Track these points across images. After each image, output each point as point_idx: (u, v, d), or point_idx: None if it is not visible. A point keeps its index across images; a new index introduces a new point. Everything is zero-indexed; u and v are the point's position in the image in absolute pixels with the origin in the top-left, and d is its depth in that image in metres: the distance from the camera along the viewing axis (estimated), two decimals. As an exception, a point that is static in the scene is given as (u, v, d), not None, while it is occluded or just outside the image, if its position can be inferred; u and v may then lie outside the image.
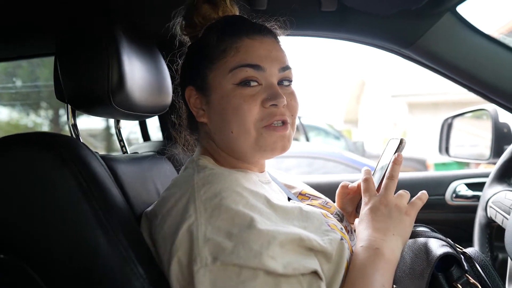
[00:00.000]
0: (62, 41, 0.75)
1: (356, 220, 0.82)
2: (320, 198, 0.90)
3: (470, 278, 0.66)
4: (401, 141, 0.79)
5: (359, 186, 0.85)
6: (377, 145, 11.90)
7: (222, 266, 0.56)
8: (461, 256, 0.70)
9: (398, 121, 11.74)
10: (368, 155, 6.25)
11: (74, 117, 0.80)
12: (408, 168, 6.19)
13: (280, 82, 0.73)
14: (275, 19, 0.81)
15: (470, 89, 1.29)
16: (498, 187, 1.01)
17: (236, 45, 0.71)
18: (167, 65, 1.00)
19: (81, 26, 0.76)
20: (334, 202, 0.90)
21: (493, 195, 1.01)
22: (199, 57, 0.75)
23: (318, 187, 1.40)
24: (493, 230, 1.03)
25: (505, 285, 0.91)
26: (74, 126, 0.80)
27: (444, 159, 1.65)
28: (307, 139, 5.09)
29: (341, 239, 0.67)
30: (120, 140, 1.03)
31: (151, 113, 0.97)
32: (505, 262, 1.25)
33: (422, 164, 6.32)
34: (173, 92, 0.87)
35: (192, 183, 0.66)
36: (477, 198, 1.35)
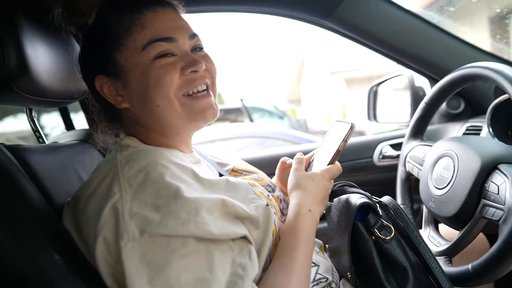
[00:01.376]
0: None
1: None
2: (252, 172, 0.91)
3: (384, 221, 0.72)
4: (351, 127, 0.78)
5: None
6: (320, 122, 12.35)
7: (151, 238, 0.55)
8: (377, 204, 0.76)
9: (337, 97, 12.24)
10: (311, 131, 6.47)
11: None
12: (349, 140, 6.51)
13: (192, 50, 0.73)
14: None
15: (387, 55, 1.38)
16: (413, 143, 1.10)
17: (139, 21, 0.68)
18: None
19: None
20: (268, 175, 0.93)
21: (410, 150, 1.10)
22: (100, 41, 0.71)
23: (258, 162, 1.43)
24: (412, 183, 1.13)
25: (421, 228, 1.00)
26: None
27: (376, 126, 1.75)
28: (251, 121, 5.14)
29: (267, 204, 0.69)
30: (36, 131, 0.96)
31: (67, 99, 0.91)
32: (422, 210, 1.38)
33: (360, 135, 6.67)
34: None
35: (115, 162, 0.64)
36: (400, 156, 1.46)
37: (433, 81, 1.42)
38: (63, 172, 0.80)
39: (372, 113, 1.79)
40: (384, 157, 1.50)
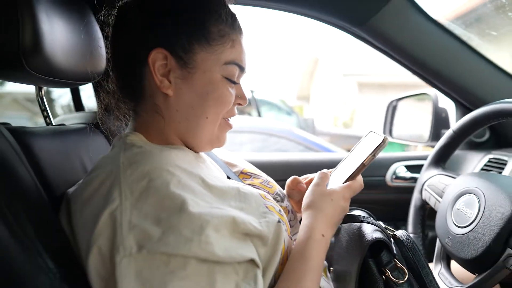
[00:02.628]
0: None
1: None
2: (261, 176, 0.87)
3: (397, 262, 0.67)
4: (383, 141, 0.71)
5: (307, 183, 0.84)
6: (327, 123, 12.28)
7: (149, 255, 0.50)
8: (391, 239, 0.71)
9: (347, 100, 12.14)
10: (318, 132, 6.40)
11: (-22, 81, 0.68)
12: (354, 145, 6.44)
13: None
14: None
15: (415, 72, 1.32)
16: (434, 171, 1.05)
17: (233, 38, 0.68)
18: (101, 27, 0.89)
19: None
20: (276, 181, 0.88)
21: (429, 178, 1.05)
22: (191, 26, 0.65)
23: (265, 166, 1.38)
24: (426, 212, 1.08)
25: (432, 261, 0.96)
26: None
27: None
28: (259, 114, 5.08)
29: (279, 221, 0.65)
30: (43, 110, 0.91)
31: (79, 81, 0.86)
32: (434, 239, 1.33)
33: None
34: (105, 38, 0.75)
35: (118, 163, 0.59)
36: (415, 179, 1.41)
37: (460, 106, 1.36)
38: (66, 159, 0.76)
39: (388, 128, 1.73)
40: (398, 177, 1.45)
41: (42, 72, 0.68)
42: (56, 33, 0.69)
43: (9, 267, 0.46)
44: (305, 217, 0.72)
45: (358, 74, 11.54)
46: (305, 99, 16.80)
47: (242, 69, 0.71)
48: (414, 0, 1.14)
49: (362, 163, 0.72)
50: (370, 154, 0.71)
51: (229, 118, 0.74)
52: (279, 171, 1.30)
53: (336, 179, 0.77)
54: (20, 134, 0.65)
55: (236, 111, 0.75)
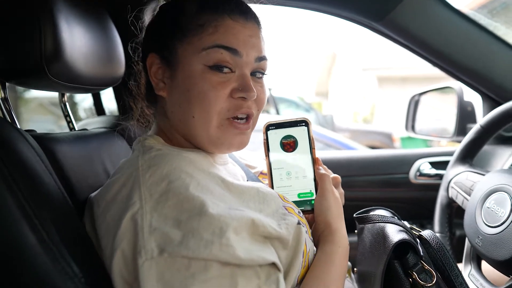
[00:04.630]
0: None
1: None
2: None
3: (425, 264, 0.65)
4: (308, 123, 0.73)
5: None
6: (347, 119, 12.11)
7: (170, 258, 0.50)
8: (417, 240, 0.69)
9: (367, 95, 11.93)
10: (337, 128, 6.32)
11: (4, 89, 0.70)
12: (375, 141, 6.34)
13: (253, 73, 0.68)
14: None
15: (438, 66, 1.27)
16: (461, 168, 1.01)
17: (215, 23, 0.63)
18: (121, 34, 0.90)
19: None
20: None
21: (455, 175, 1.01)
22: (171, 24, 0.67)
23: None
24: (453, 210, 1.04)
25: (461, 262, 0.93)
26: (5, 100, 0.70)
27: (410, 134, 1.65)
28: (278, 112, 5.06)
29: (298, 223, 0.63)
30: (66, 116, 0.93)
31: (100, 86, 0.87)
32: (462, 238, 1.29)
33: (388, 138, 6.49)
34: (133, 52, 0.77)
35: (137, 166, 0.60)
36: (440, 176, 1.36)
37: (488, 99, 1.30)
38: (89, 164, 0.77)
39: (411, 124, 1.68)
40: (422, 174, 1.41)
41: (64, 79, 0.69)
42: (76, 40, 0.71)
43: (36, 273, 0.47)
44: (328, 229, 0.68)
45: (377, 68, 11.32)
46: (324, 95, 16.63)
47: (232, 51, 0.63)
48: (435, -10, 1.10)
49: (312, 158, 0.72)
50: (310, 141, 0.72)
51: (238, 117, 0.66)
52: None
53: (301, 183, 0.73)
54: (44, 140, 0.67)
55: (249, 108, 0.66)
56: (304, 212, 0.71)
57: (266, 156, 0.74)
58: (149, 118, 0.80)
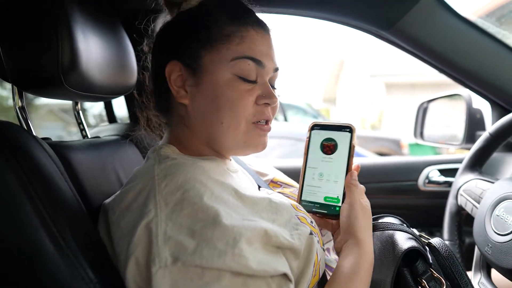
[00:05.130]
0: (1, 15, 0.66)
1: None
2: (292, 186, 0.87)
3: (434, 272, 0.65)
4: (352, 129, 0.72)
5: None
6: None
7: (184, 267, 0.51)
8: (426, 248, 0.69)
9: (375, 101, 11.89)
10: (345, 135, 6.29)
11: (21, 98, 0.72)
12: (383, 148, 6.30)
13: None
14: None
15: (446, 73, 1.27)
16: (470, 176, 1.01)
17: (241, 34, 0.67)
18: (132, 42, 0.92)
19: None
20: None
21: (464, 183, 1.01)
22: (195, 32, 0.68)
23: (292, 172, 1.38)
24: (463, 218, 1.04)
25: (471, 270, 0.93)
26: (22, 109, 0.72)
27: (419, 141, 1.65)
28: (285, 119, 5.07)
29: (310, 233, 0.64)
30: (80, 123, 0.95)
31: (113, 94, 0.89)
32: (472, 245, 1.28)
33: (396, 144, 6.44)
34: (141, 64, 0.79)
35: (153, 175, 0.61)
36: (449, 184, 1.36)
37: (497, 106, 1.30)
38: (102, 171, 0.79)
39: (419, 131, 1.68)
40: (431, 182, 1.40)
41: (79, 88, 0.71)
42: (92, 50, 0.73)
43: (55, 279, 0.49)
44: (353, 241, 0.67)
45: (385, 75, 11.28)
46: (332, 102, 16.60)
47: (258, 62, 0.67)
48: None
49: (349, 161, 0.71)
50: (350, 148, 0.71)
51: (261, 122, 0.70)
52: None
53: (330, 187, 0.73)
54: (59, 148, 0.68)
55: (269, 113, 0.70)
56: (327, 216, 0.72)
57: (305, 154, 0.77)
58: (160, 127, 0.82)
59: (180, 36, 0.70)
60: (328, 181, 0.73)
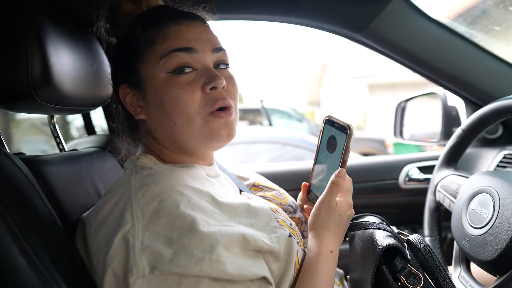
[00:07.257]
0: None
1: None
2: (273, 189, 0.88)
3: (412, 268, 0.66)
4: (349, 129, 0.69)
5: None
6: (340, 126, 12.13)
7: (161, 275, 0.51)
8: (405, 245, 0.71)
9: (359, 102, 12.04)
10: (330, 137, 6.33)
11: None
12: (369, 148, 6.38)
13: (216, 66, 0.70)
14: (203, 6, 0.77)
15: (420, 73, 1.31)
16: (446, 171, 1.03)
17: (163, 33, 0.67)
18: (106, 53, 0.92)
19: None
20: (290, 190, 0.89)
21: (441, 179, 1.03)
22: (126, 52, 0.71)
23: (276, 176, 1.38)
24: (441, 213, 1.06)
25: (451, 264, 0.94)
26: (-6, 125, 0.71)
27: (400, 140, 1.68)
28: (270, 123, 5.09)
29: (290, 235, 0.65)
30: (56, 137, 0.94)
31: (89, 106, 0.89)
32: (452, 240, 1.30)
33: (381, 144, 6.54)
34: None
35: (129, 186, 0.61)
36: (429, 180, 1.38)
37: (470, 103, 1.34)
38: (80, 184, 0.78)
39: (399, 130, 1.71)
40: (411, 179, 1.43)
41: (52, 101, 0.71)
42: (64, 63, 0.72)
43: None
44: (312, 235, 0.72)
45: (367, 76, 11.46)
46: (316, 105, 16.75)
47: (187, 50, 0.66)
48: (412, 2, 1.14)
49: (342, 160, 0.70)
50: (344, 149, 0.69)
51: (219, 109, 0.66)
52: (293, 181, 1.30)
53: (322, 185, 0.76)
54: (33, 163, 0.67)
55: (223, 97, 0.66)
56: None
57: (317, 148, 0.80)
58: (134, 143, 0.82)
59: (119, 61, 0.74)
60: (326, 178, 0.75)
